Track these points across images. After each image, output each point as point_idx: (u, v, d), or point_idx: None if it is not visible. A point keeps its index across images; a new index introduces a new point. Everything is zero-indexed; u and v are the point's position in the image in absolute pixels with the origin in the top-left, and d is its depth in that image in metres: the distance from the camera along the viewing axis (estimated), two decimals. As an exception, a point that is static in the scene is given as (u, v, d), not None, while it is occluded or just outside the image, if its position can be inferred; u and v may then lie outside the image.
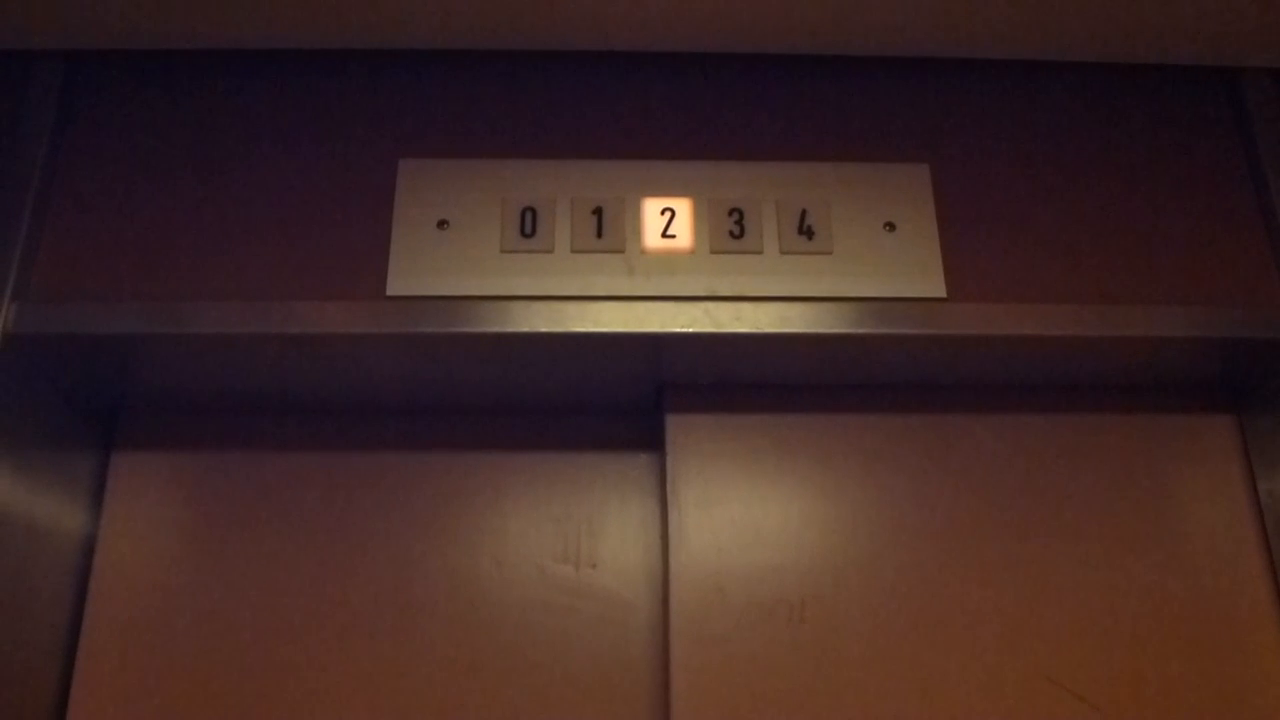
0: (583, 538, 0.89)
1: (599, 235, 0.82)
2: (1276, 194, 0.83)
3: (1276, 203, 0.83)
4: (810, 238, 0.82)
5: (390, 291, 0.79)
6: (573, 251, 0.81)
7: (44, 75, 0.83)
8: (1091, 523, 0.86)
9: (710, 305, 0.79)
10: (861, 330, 0.79)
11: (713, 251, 0.82)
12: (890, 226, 0.83)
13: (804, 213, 0.83)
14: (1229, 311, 0.80)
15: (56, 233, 0.80)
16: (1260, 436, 0.87)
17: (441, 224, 0.82)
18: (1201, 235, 0.84)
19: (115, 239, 0.80)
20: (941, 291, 0.81)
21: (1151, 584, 0.84)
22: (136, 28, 0.80)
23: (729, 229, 0.82)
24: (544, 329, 0.78)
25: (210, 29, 0.81)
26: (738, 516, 0.85)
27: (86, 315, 0.77)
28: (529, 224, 0.82)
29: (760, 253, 0.82)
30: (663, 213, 0.82)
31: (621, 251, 0.81)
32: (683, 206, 0.83)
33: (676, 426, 0.87)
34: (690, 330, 0.79)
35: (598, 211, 0.82)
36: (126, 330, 0.77)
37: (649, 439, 0.90)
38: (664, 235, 0.82)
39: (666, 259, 0.81)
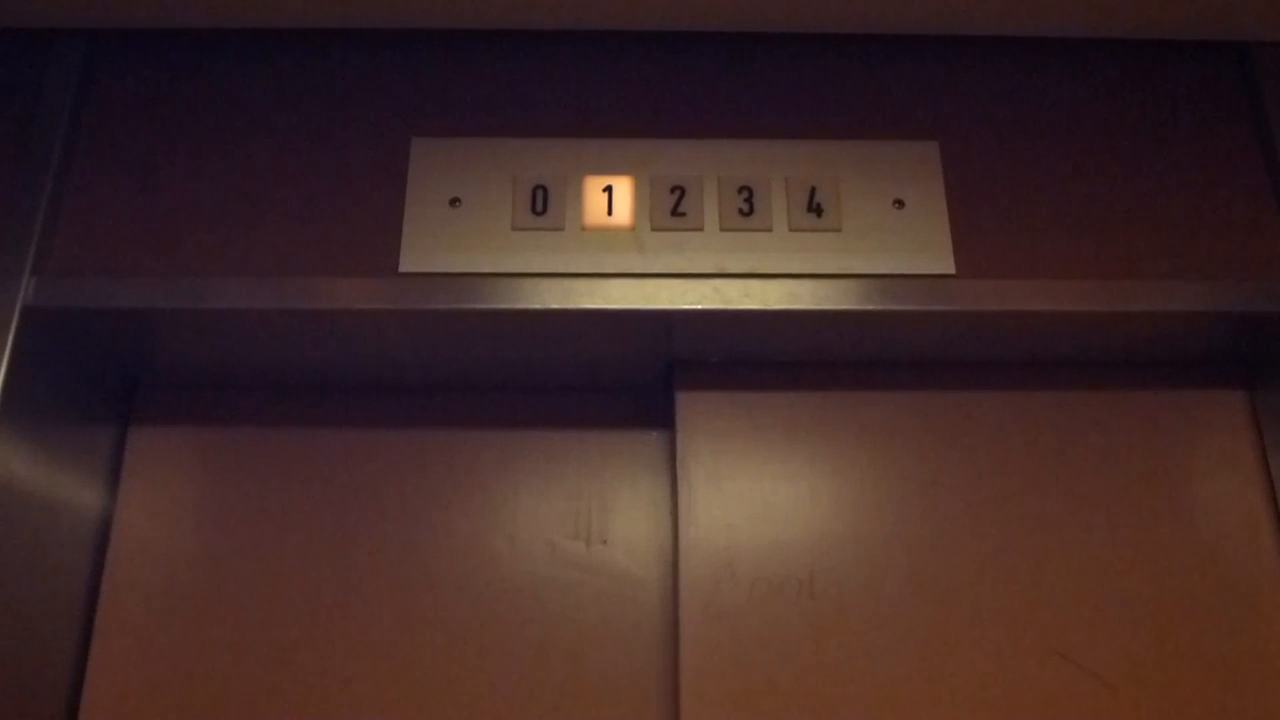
0: (594, 514, 0.90)
1: (609, 212, 0.82)
2: (1287, 165, 0.83)
3: (1287, 174, 0.83)
4: (819, 215, 0.83)
5: (403, 268, 0.80)
6: (583, 229, 0.82)
7: (64, 53, 0.84)
8: (1102, 498, 0.86)
9: (720, 282, 0.80)
10: (870, 307, 0.79)
11: (722, 229, 0.82)
12: (899, 203, 0.83)
13: (813, 190, 0.83)
14: (1239, 285, 0.80)
15: (75, 208, 0.81)
16: (1272, 411, 0.87)
17: (453, 202, 0.82)
18: (1211, 209, 0.83)
19: (133, 215, 0.81)
20: (950, 268, 0.81)
21: (1162, 559, 0.84)
22: (155, 6, 0.82)
23: (739, 206, 0.83)
24: (555, 306, 0.79)
25: (226, 8, 0.82)
26: (747, 492, 0.85)
27: (104, 290, 0.78)
28: (540, 202, 0.82)
29: (769, 230, 0.82)
30: (672, 190, 0.83)
31: (632, 229, 0.82)
32: (692, 184, 0.83)
33: (686, 403, 0.88)
34: (700, 307, 0.79)
35: (608, 189, 0.83)
36: (143, 305, 0.78)
37: (659, 416, 0.91)
38: (674, 213, 0.82)
39: (676, 236, 0.82)
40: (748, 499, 0.85)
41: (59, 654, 0.82)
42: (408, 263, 0.80)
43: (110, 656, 0.84)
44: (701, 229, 0.82)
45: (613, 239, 0.82)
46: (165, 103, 0.85)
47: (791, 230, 0.82)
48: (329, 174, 0.83)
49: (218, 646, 0.85)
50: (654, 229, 0.82)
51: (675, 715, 0.79)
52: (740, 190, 0.83)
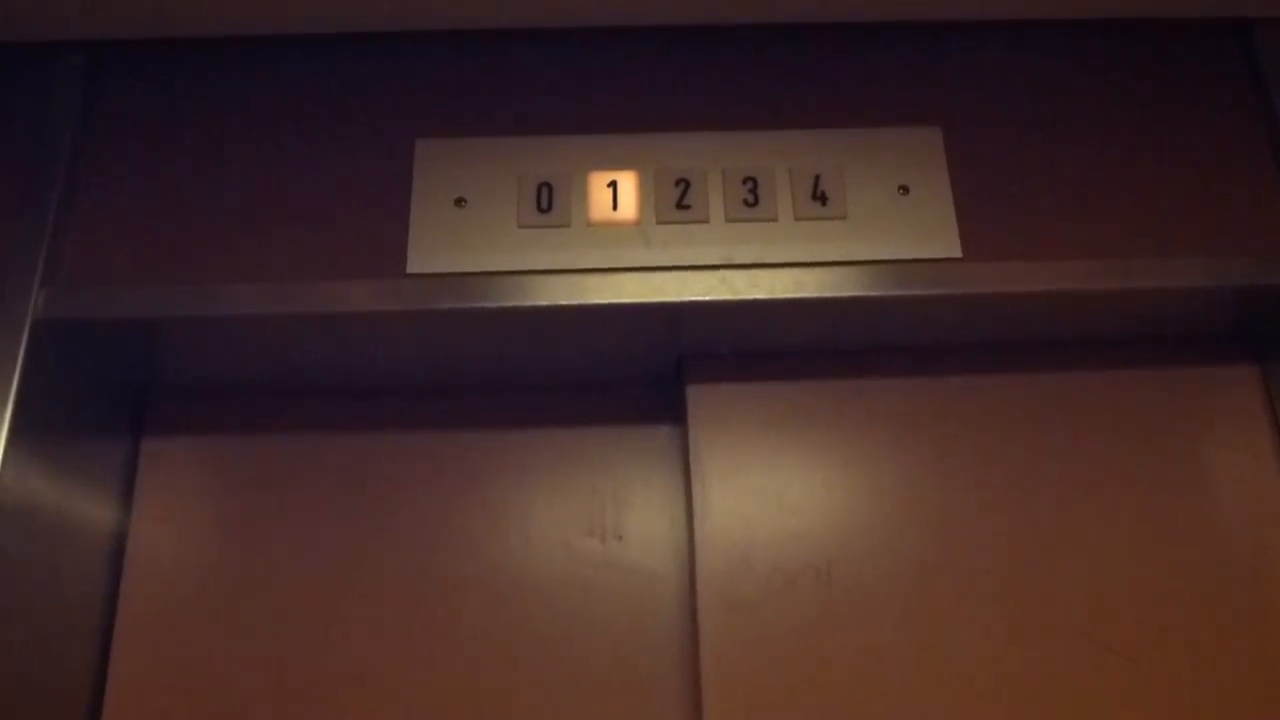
0: (608, 511, 0.90)
1: (614, 207, 0.82)
2: (1290, 140, 0.83)
3: (1290, 149, 0.83)
4: (824, 203, 0.83)
5: (410, 269, 0.80)
6: (589, 225, 0.82)
7: (68, 66, 0.84)
8: (1116, 477, 0.86)
9: (727, 273, 0.80)
10: (878, 293, 0.79)
11: (728, 220, 0.82)
12: (904, 189, 0.83)
13: (817, 179, 0.83)
14: (1246, 260, 0.80)
15: (83, 219, 0.81)
16: (1284, 385, 0.87)
17: (459, 202, 0.83)
18: (1216, 186, 0.83)
19: (141, 224, 0.81)
20: (957, 252, 0.81)
21: (1178, 535, 0.84)
22: (157, 17, 0.82)
23: (743, 197, 0.83)
24: (563, 302, 0.79)
25: (226, 17, 0.83)
26: (761, 484, 0.85)
27: (114, 300, 0.78)
28: (545, 199, 0.83)
29: (775, 220, 0.82)
30: (677, 183, 0.83)
31: (637, 223, 0.82)
32: (697, 177, 0.83)
33: (697, 397, 0.88)
34: (708, 298, 0.79)
35: (613, 184, 0.83)
36: (153, 314, 0.78)
37: (670, 411, 0.91)
38: (679, 206, 0.82)
39: (682, 229, 0.82)
40: (762, 490, 0.85)
41: (78, 670, 0.82)
42: (415, 264, 0.80)
43: (129, 670, 0.84)
44: (707, 221, 0.82)
45: (619, 234, 0.82)
46: (169, 111, 0.85)
47: (797, 219, 0.82)
48: (334, 178, 0.83)
49: (237, 655, 0.85)
50: (660, 222, 0.82)
51: (697, 707, 0.79)
52: (745, 181, 0.83)
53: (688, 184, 0.83)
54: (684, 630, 0.85)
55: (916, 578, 0.82)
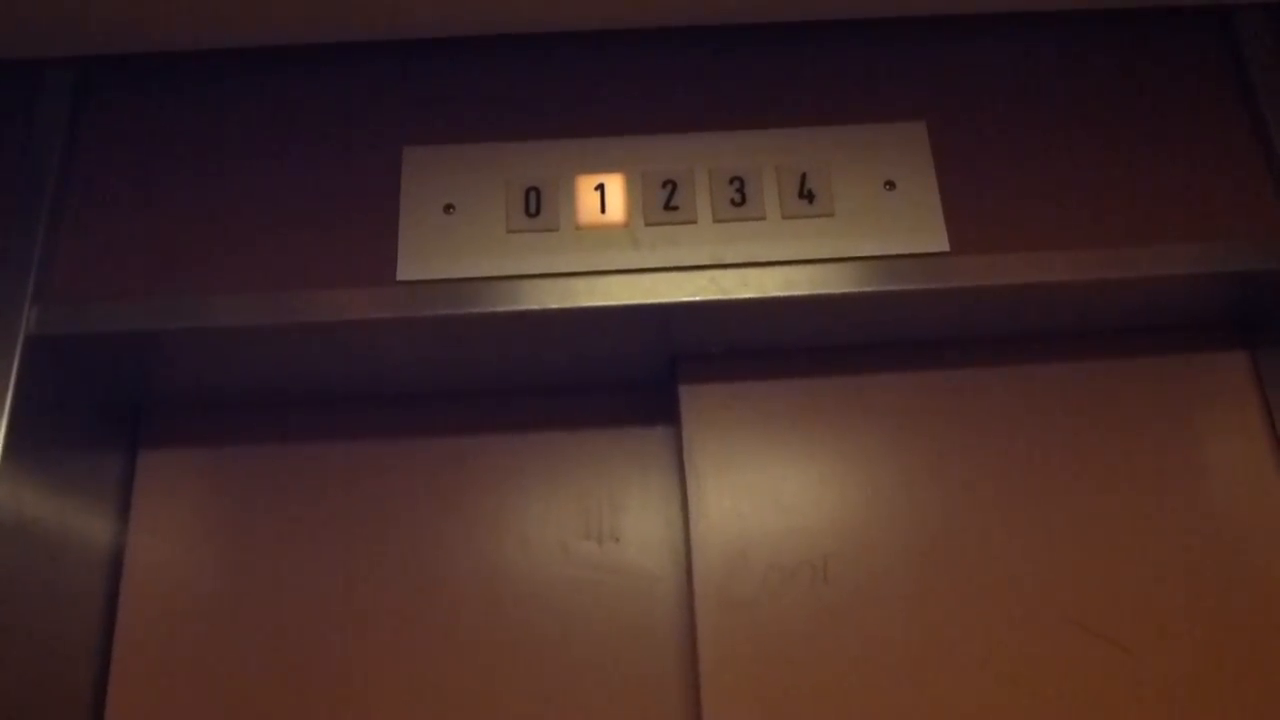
0: (604, 513, 0.90)
1: (602, 210, 0.83)
2: (1274, 125, 0.83)
3: (1274, 134, 0.83)
4: (811, 201, 0.83)
5: (401, 276, 0.80)
6: (578, 228, 0.82)
7: (55, 82, 0.84)
8: (1110, 467, 0.86)
9: (716, 273, 0.80)
10: (867, 289, 0.80)
11: (716, 220, 0.82)
12: (890, 185, 0.83)
13: (804, 177, 0.83)
14: (1234, 245, 0.80)
15: (73, 235, 0.81)
16: (1275, 370, 0.87)
17: (448, 208, 0.83)
18: (1202, 172, 0.84)
19: (131, 238, 0.81)
20: (945, 246, 0.81)
21: (1173, 524, 0.84)
22: (142, 33, 0.82)
23: (730, 197, 0.83)
24: (554, 305, 0.79)
25: (211, 30, 0.83)
26: (756, 482, 0.85)
27: (106, 314, 0.78)
28: (533, 203, 0.83)
29: (763, 219, 0.82)
30: (664, 185, 0.83)
31: (626, 225, 0.82)
32: (684, 177, 0.83)
33: (690, 397, 0.88)
34: (698, 299, 0.79)
35: (600, 187, 0.83)
36: (146, 327, 0.78)
37: (664, 411, 0.91)
38: (666, 207, 0.83)
39: (671, 230, 0.82)
40: (757, 488, 0.85)
41: (78, 684, 0.82)
42: (405, 271, 0.81)
43: (130, 683, 0.84)
44: (695, 222, 0.82)
45: (608, 236, 0.82)
46: (156, 125, 0.85)
47: (785, 218, 0.82)
48: (323, 187, 0.83)
49: (238, 666, 0.85)
50: (648, 224, 0.82)
51: (697, 706, 0.79)
52: (731, 181, 0.83)
53: (675, 185, 0.83)
54: (682, 630, 0.86)
55: (912, 571, 0.82)
